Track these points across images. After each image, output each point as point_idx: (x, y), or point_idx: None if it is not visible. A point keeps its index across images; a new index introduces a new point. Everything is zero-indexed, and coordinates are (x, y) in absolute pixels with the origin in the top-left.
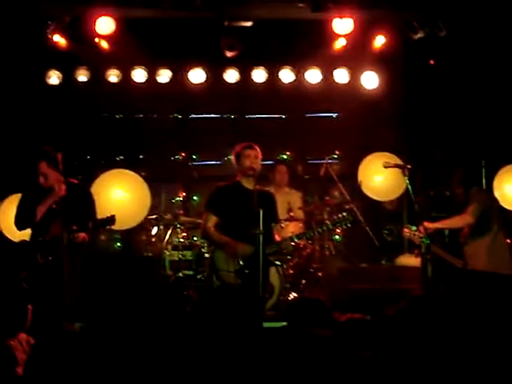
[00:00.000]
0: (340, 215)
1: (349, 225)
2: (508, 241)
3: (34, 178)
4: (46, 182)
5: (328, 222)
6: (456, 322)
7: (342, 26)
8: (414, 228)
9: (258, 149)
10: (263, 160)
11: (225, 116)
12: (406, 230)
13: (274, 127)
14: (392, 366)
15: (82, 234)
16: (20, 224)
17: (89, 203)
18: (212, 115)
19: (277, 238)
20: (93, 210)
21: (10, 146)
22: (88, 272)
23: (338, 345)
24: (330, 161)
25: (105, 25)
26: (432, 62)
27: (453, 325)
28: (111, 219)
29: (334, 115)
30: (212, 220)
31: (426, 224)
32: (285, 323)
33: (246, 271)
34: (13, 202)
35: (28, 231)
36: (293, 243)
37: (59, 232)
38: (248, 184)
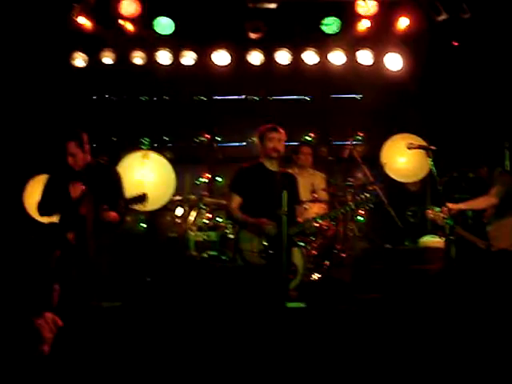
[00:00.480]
0: (363, 196)
1: (371, 205)
2: None
3: (62, 158)
4: (75, 162)
5: (351, 202)
6: (479, 302)
7: (366, 7)
8: (438, 209)
9: (282, 131)
10: (287, 141)
11: (249, 97)
12: (429, 211)
13: (297, 109)
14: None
15: (113, 214)
16: (41, 212)
17: (117, 182)
18: (236, 97)
19: (299, 219)
20: (121, 189)
21: (36, 128)
22: (114, 252)
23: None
24: (354, 142)
25: (129, 7)
26: (455, 43)
27: (476, 303)
28: (143, 197)
29: (358, 97)
30: (236, 200)
31: (450, 205)
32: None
33: (270, 251)
34: (39, 183)
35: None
36: (316, 224)
37: (88, 212)
38: (271, 166)
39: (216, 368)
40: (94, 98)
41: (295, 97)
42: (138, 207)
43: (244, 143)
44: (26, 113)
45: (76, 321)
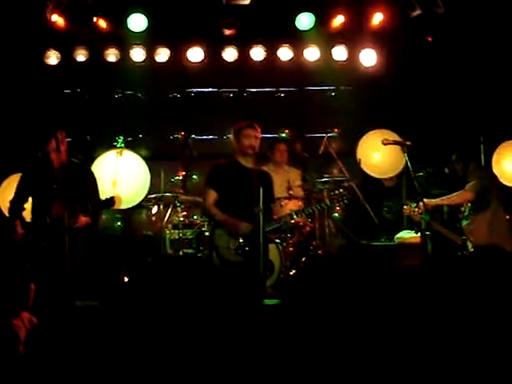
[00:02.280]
0: (337, 192)
1: (346, 201)
2: (507, 216)
3: (35, 157)
4: (57, 158)
5: (326, 199)
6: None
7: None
8: (414, 205)
9: (258, 128)
10: (262, 135)
11: (223, 91)
12: (406, 207)
13: (272, 104)
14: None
15: (84, 218)
16: (11, 213)
17: (90, 183)
18: (210, 91)
19: (275, 217)
20: (94, 190)
21: (10, 126)
22: (89, 251)
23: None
24: (329, 138)
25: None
26: (430, 38)
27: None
28: (110, 201)
29: (333, 93)
30: (212, 196)
31: (426, 201)
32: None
33: (247, 249)
34: (13, 182)
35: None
36: (292, 220)
37: (61, 213)
38: (246, 162)
39: (193, 366)
40: (67, 91)
41: (270, 89)
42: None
43: (218, 139)
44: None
45: (51, 320)
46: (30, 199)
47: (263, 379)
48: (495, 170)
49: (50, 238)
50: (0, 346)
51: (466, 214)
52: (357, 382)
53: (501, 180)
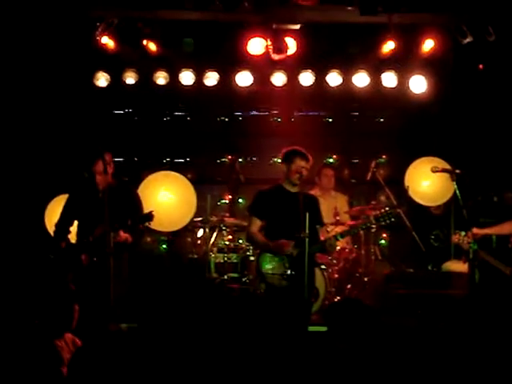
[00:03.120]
0: (383, 210)
1: (392, 219)
2: None
3: (82, 178)
4: (100, 181)
5: (371, 217)
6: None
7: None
8: (463, 233)
9: (311, 159)
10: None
11: (271, 114)
12: (455, 235)
13: (320, 129)
14: None
15: (124, 234)
16: (57, 235)
17: (136, 204)
18: (258, 114)
19: (321, 238)
20: (139, 210)
21: (59, 147)
22: (134, 273)
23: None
24: (377, 164)
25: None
26: (481, 66)
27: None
28: (149, 215)
29: (381, 119)
30: (256, 224)
31: (475, 230)
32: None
33: (293, 273)
34: (59, 203)
35: (74, 232)
36: (337, 242)
37: (105, 233)
38: (291, 188)
39: None
40: (117, 112)
41: (317, 113)
42: (148, 225)
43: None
44: (49, 132)
45: (94, 342)
46: (76, 222)
47: None
48: None
49: (93, 259)
50: (43, 366)
51: None
52: None
53: None
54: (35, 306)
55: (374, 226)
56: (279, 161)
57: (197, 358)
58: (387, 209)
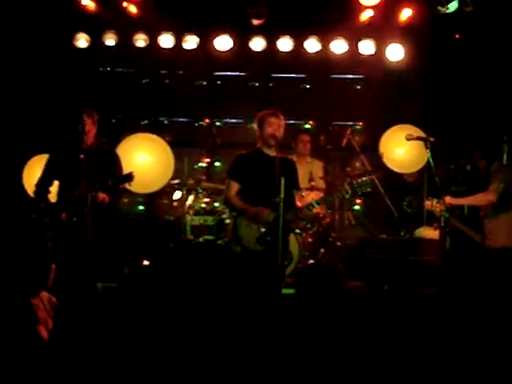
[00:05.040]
0: (359, 180)
1: (368, 189)
2: None
3: (62, 138)
4: (83, 140)
5: (347, 186)
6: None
7: None
8: (436, 200)
9: (281, 116)
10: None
11: (249, 76)
12: (427, 201)
13: (298, 93)
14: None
15: (102, 195)
16: (37, 195)
17: (115, 165)
18: (236, 75)
19: (298, 204)
20: (119, 173)
21: (38, 107)
22: (112, 234)
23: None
24: (352, 130)
25: None
26: (457, 36)
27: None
28: (129, 176)
29: (358, 86)
30: (234, 187)
31: (449, 199)
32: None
33: (268, 238)
34: (38, 163)
35: (54, 192)
36: (313, 210)
37: (84, 193)
38: (269, 151)
39: (209, 353)
40: (96, 79)
41: (296, 76)
42: (128, 186)
43: (243, 127)
44: (29, 92)
45: (70, 301)
46: (56, 182)
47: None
48: None
49: (72, 218)
50: (18, 324)
51: (487, 212)
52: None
53: None
54: (12, 264)
55: (349, 194)
56: (255, 125)
57: (172, 321)
58: (364, 178)
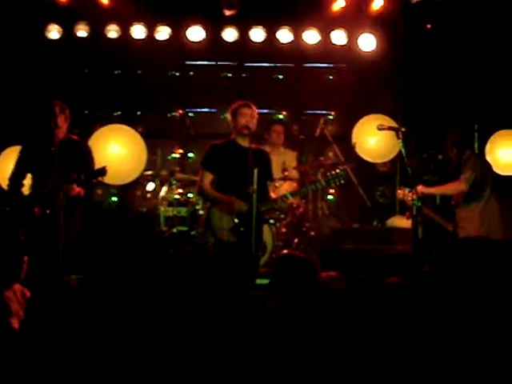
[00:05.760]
0: (333, 172)
1: (342, 181)
2: (499, 205)
3: (34, 131)
4: (55, 133)
5: (321, 179)
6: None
7: None
8: (408, 189)
9: (254, 108)
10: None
11: (222, 64)
12: (399, 191)
13: (270, 84)
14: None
15: (77, 188)
16: (10, 188)
17: (87, 158)
18: (209, 64)
19: (272, 195)
20: (91, 165)
21: (9, 99)
22: (84, 225)
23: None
24: (325, 121)
25: None
26: (429, 26)
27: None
28: (102, 170)
29: (330, 76)
30: (208, 178)
31: (420, 188)
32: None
33: (241, 229)
34: (11, 155)
35: (27, 185)
36: (287, 201)
37: (55, 186)
38: (243, 142)
39: (177, 341)
40: (68, 70)
41: (268, 65)
42: (99, 179)
43: (216, 118)
44: (0, 85)
45: (44, 294)
46: (29, 175)
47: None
48: (488, 159)
49: (45, 211)
50: None
51: (458, 201)
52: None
53: (493, 169)
54: None
55: (322, 186)
56: (228, 116)
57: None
58: (337, 171)
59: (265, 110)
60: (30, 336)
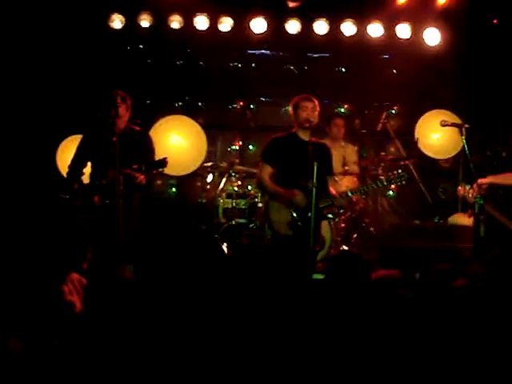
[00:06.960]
0: (395, 172)
1: (404, 182)
2: None
3: (96, 120)
4: (117, 123)
5: (383, 178)
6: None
7: None
8: (469, 186)
9: (316, 101)
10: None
11: (285, 55)
12: (460, 188)
13: (333, 79)
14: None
15: (141, 176)
16: (70, 176)
17: (148, 148)
18: (271, 54)
19: (331, 190)
20: (152, 156)
21: (72, 88)
22: (143, 216)
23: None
24: (387, 114)
25: None
26: (495, 21)
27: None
28: (163, 161)
29: (394, 71)
30: (267, 170)
31: (480, 180)
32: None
33: (299, 223)
34: (72, 143)
35: (87, 174)
36: (347, 197)
37: (116, 175)
38: (304, 136)
39: (235, 335)
40: (130, 60)
41: (330, 57)
42: (160, 170)
43: (277, 112)
44: (64, 73)
45: (103, 284)
46: (89, 164)
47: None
48: None
49: (105, 200)
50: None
51: None
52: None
53: None
54: (48, 246)
55: (384, 186)
56: (289, 109)
57: (202, 301)
58: (399, 171)
59: (326, 102)
60: (88, 327)
